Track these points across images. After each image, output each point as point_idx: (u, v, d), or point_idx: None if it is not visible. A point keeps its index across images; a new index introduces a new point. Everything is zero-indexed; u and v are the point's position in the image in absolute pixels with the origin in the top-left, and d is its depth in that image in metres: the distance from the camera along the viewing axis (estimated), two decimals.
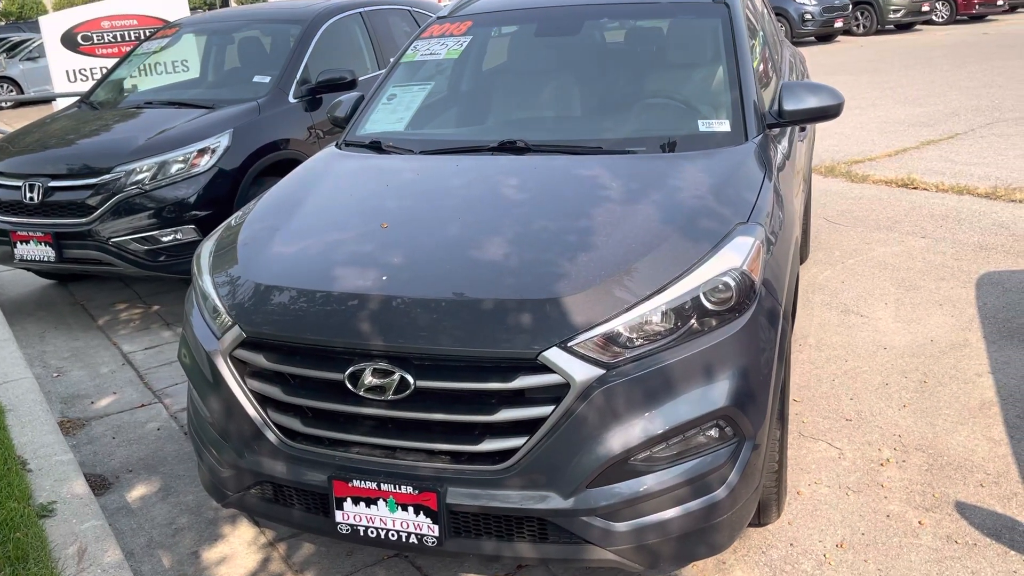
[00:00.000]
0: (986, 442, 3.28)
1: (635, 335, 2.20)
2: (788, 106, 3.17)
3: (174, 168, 4.80)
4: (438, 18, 3.91)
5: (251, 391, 2.44)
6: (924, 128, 9.37)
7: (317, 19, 6.00)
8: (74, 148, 5.02)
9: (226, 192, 4.94)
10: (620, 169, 2.84)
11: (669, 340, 2.21)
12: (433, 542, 2.28)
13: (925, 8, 21.12)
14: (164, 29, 6.47)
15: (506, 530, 2.29)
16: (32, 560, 2.46)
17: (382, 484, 2.29)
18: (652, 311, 2.22)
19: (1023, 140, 8.43)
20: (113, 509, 3.19)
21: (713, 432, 2.27)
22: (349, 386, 2.26)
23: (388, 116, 3.54)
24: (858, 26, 21.33)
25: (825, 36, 20.32)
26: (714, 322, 2.27)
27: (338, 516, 2.36)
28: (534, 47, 3.71)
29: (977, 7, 21.96)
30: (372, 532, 2.34)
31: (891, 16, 20.95)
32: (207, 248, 2.82)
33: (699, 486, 2.25)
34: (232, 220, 2.98)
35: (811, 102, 3.16)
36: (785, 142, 3.31)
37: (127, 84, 6.11)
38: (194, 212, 4.82)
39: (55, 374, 4.47)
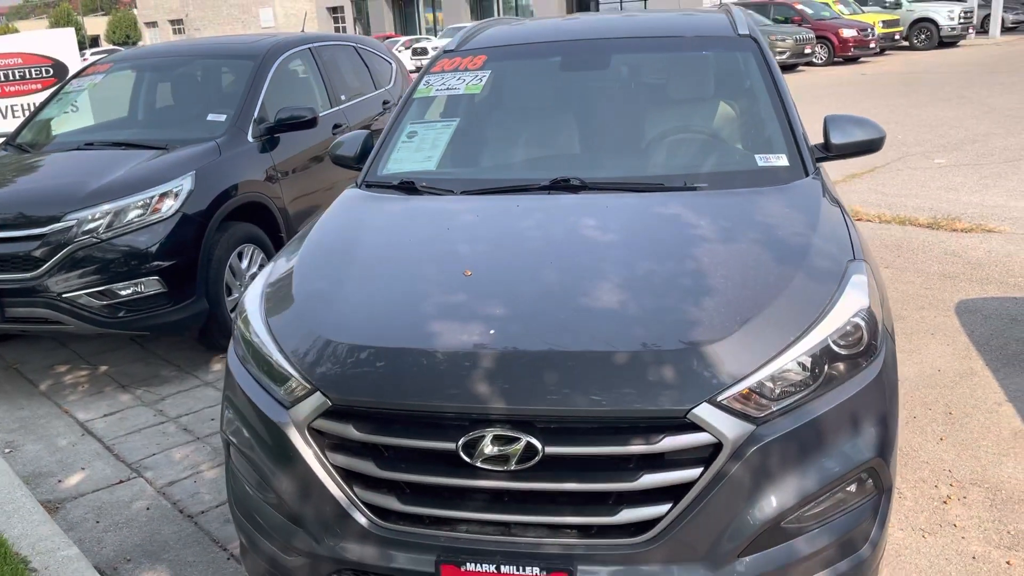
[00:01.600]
0: None
1: (777, 387, 2.03)
2: (836, 139, 3.11)
3: (133, 214, 4.36)
4: (446, 52, 3.69)
5: (334, 466, 2.12)
6: (842, 162, 9.69)
7: (270, 55, 5.65)
8: (14, 195, 4.50)
9: (191, 239, 4.52)
10: (700, 207, 2.68)
11: (811, 390, 2.05)
12: None
13: (807, 51, 22.28)
14: (96, 65, 5.96)
15: None
16: None
17: (502, 566, 2.02)
18: (791, 360, 2.06)
19: (938, 173, 8.86)
20: None
21: (853, 487, 2.12)
22: (464, 456, 1.99)
23: (413, 155, 3.28)
24: None
25: None
26: (842, 367, 2.12)
27: None
28: (563, 82, 3.53)
29: (852, 49, 23.33)
30: None
31: (777, 58, 21.98)
32: (254, 305, 2.48)
33: (846, 545, 2.09)
34: (276, 271, 2.64)
35: (858, 135, 3.13)
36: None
37: (58, 125, 5.57)
38: (157, 262, 4.38)
39: (7, 450, 3.94)
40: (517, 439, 1.97)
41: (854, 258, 2.39)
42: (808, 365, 2.07)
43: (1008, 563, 2.77)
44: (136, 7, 71.25)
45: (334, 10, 51.04)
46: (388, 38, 32.53)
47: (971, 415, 3.74)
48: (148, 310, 4.41)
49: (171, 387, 4.57)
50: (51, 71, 10.14)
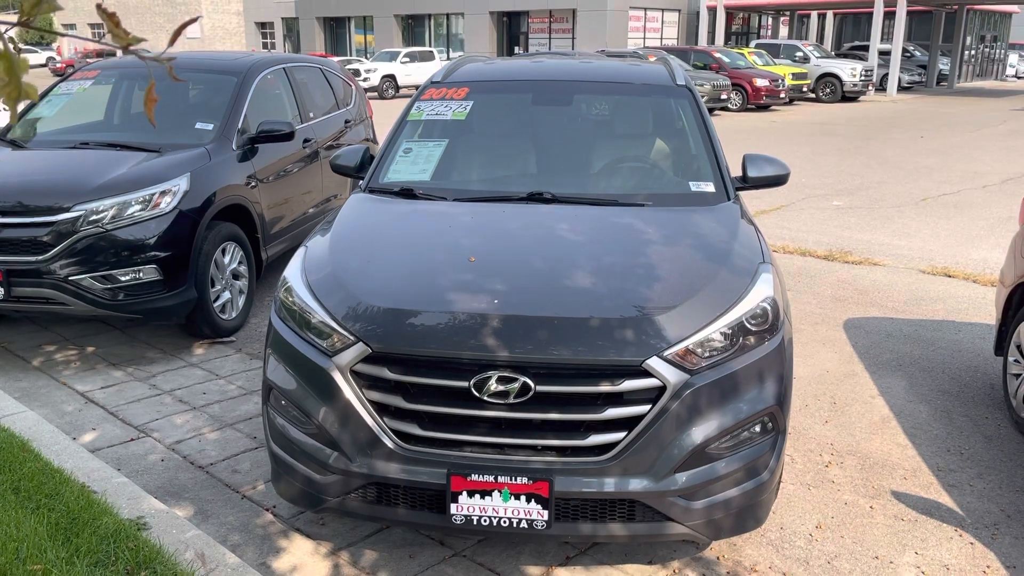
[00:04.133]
0: (896, 447, 4.10)
1: (705, 349, 2.75)
2: (751, 173, 3.90)
3: (135, 208, 4.85)
4: (433, 83, 4.36)
5: (369, 401, 2.74)
6: (753, 200, 10.73)
7: (252, 71, 6.21)
8: (24, 185, 4.92)
9: (186, 234, 5.03)
10: (647, 218, 3.42)
11: (730, 353, 2.78)
12: (543, 526, 2.68)
13: (723, 96, 23.76)
14: (83, 70, 6.39)
15: (600, 513, 2.73)
16: (159, 563, 2.59)
17: (499, 477, 2.67)
18: (716, 330, 2.78)
19: (835, 213, 9.96)
20: None
21: (757, 428, 2.85)
22: (474, 392, 2.64)
23: (409, 167, 3.92)
24: None
25: None
26: (752, 339, 2.86)
27: (452, 508, 2.70)
28: (534, 114, 4.24)
29: (764, 98, 24.99)
30: (485, 520, 2.70)
31: None
32: (298, 280, 3.06)
33: (751, 470, 2.82)
34: (312, 253, 3.22)
35: (769, 171, 3.92)
36: None
37: (50, 124, 5.99)
38: (155, 252, 4.87)
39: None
40: (516, 379, 2.63)
41: (763, 261, 3.15)
42: (728, 335, 2.80)
43: (871, 507, 3.56)
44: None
45: (263, 25, 51.02)
46: (322, 58, 32.91)
47: (851, 405, 4.57)
48: (145, 295, 4.89)
49: (159, 367, 5.05)
50: None
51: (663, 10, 38.74)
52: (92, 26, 64.85)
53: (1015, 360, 4.43)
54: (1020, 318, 4.40)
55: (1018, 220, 4.79)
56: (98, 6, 1.17)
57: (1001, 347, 4.68)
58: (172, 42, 1.16)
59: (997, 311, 4.74)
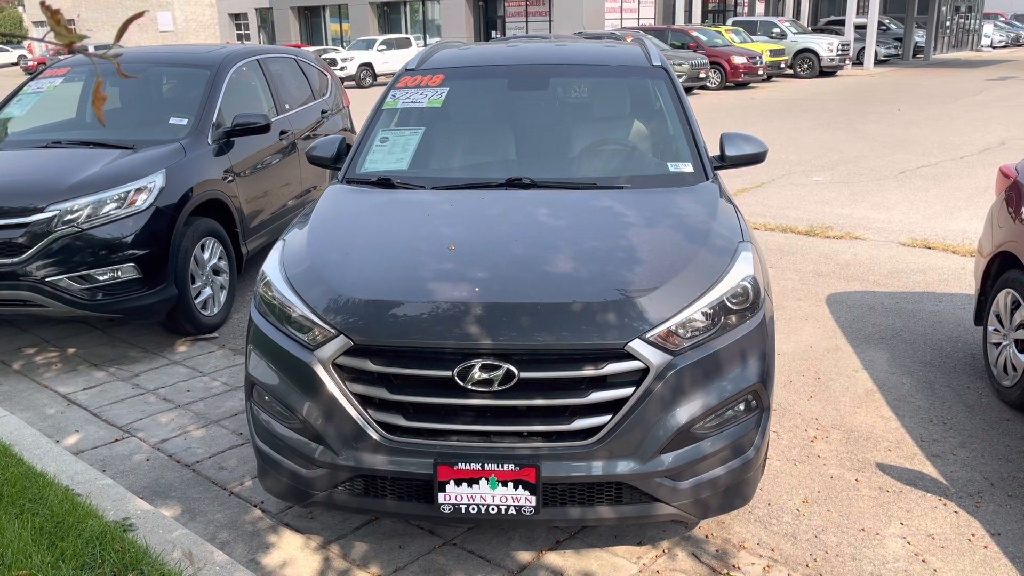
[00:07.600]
0: (880, 420, 4.13)
1: (687, 330, 2.75)
2: (729, 152, 3.90)
3: (111, 207, 4.80)
4: (408, 70, 4.33)
5: (353, 394, 2.73)
6: (734, 178, 10.75)
7: (225, 64, 6.14)
8: None
9: (164, 230, 4.98)
10: (626, 201, 3.41)
11: (711, 333, 2.78)
12: (531, 511, 2.68)
13: (702, 75, 23.75)
14: (53, 68, 6.30)
15: (588, 497, 2.74)
16: (146, 564, 2.57)
17: (485, 464, 2.66)
18: (697, 310, 2.78)
19: (816, 189, 9.99)
20: None
21: (742, 406, 2.86)
22: (458, 381, 2.63)
23: (386, 156, 3.89)
24: None
25: None
26: (734, 317, 2.86)
27: (440, 498, 2.70)
28: (510, 99, 4.22)
29: (742, 75, 25.00)
30: (473, 508, 2.70)
31: None
32: (277, 275, 3.03)
33: (737, 448, 2.83)
34: (289, 247, 3.20)
35: (747, 149, 3.92)
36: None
37: (19, 123, 5.90)
38: (133, 250, 4.82)
39: None
40: (499, 367, 2.62)
41: (743, 240, 3.15)
42: (709, 314, 2.80)
43: (856, 480, 3.59)
44: (23, 5, 68.52)
45: (237, 17, 50.50)
46: (296, 48, 32.61)
47: (834, 379, 4.60)
48: (124, 294, 4.85)
49: (142, 365, 5.01)
50: None
51: None
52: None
53: (995, 329, 4.47)
54: (999, 287, 4.43)
55: (995, 190, 4.82)
56: (41, 3, 1.14)
57: (981, 317, 4.71)
58: (119, 37, 1.14)
59: (976, 281, 4.78)
